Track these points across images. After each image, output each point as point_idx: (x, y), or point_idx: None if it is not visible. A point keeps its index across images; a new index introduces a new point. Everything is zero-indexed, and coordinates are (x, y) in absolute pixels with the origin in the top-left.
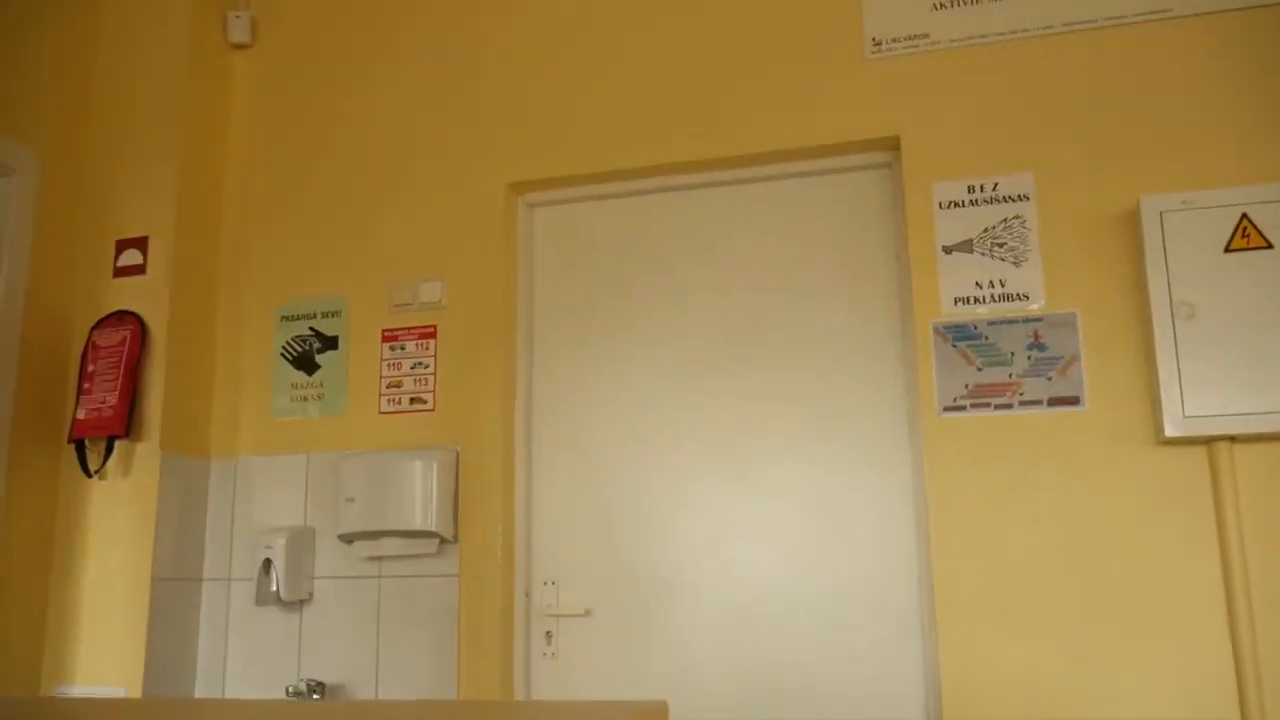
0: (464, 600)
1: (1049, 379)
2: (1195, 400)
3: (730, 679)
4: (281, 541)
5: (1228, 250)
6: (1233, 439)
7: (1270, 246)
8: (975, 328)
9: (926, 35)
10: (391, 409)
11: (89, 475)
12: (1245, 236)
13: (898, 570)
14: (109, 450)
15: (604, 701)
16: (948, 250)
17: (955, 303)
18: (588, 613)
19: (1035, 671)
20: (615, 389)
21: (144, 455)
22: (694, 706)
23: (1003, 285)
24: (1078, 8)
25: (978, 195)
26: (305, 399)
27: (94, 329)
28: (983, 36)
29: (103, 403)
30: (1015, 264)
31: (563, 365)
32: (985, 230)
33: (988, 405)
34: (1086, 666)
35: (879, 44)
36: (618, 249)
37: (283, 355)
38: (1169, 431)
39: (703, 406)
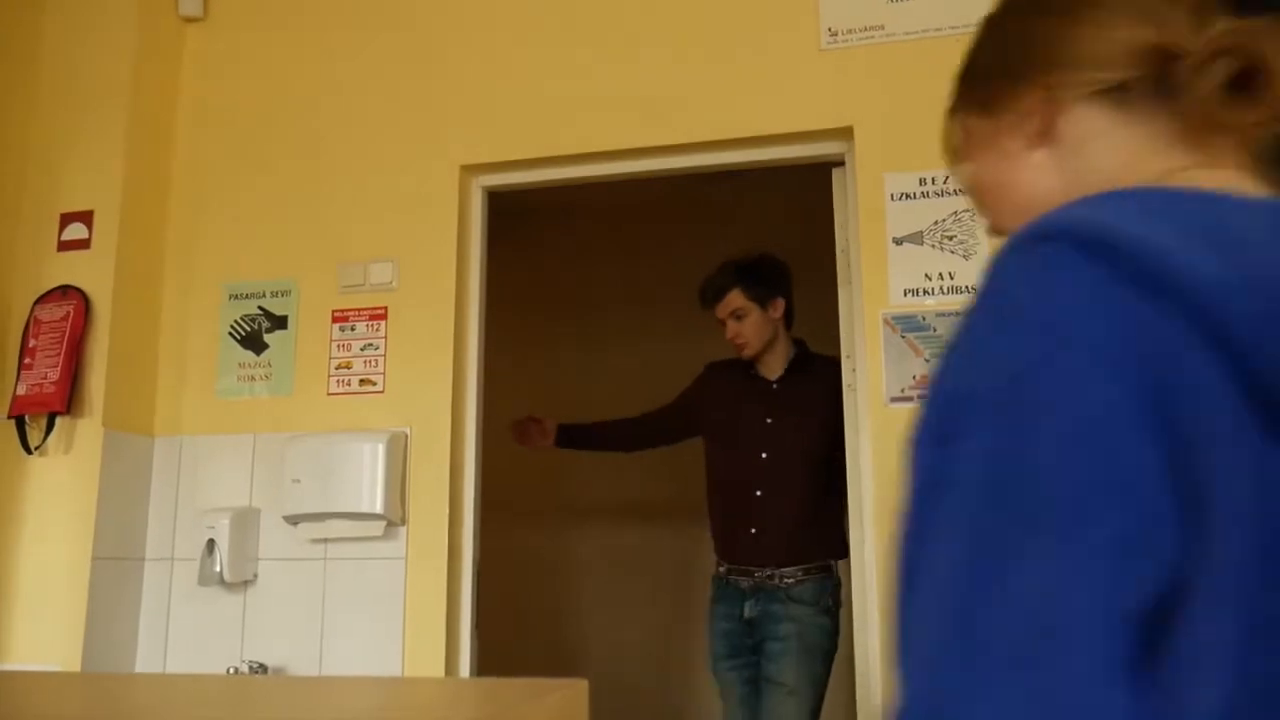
0: (410, 584)
1: None
2: None
3: None
4: (226, 522)
5: None
6: None
7: None
8: (924, 319)
9: (882, 27)
10: (340, 390)
11: (29, 452)
12: None
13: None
14: (50, 427)
15: (529, 679)
16: (898, 242)
17: (905, 294)
18: None
19: None
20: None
21: (86, 432)
22: None
23: (952, 278)
24: None
25: (929, 188)
26: (253, 379)
27: (36, 303)
28: (938, 29)
29: (44, 378)
30: (964, 257)
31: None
32: (935, 223)
33: None
34: None
35: (834, 34)
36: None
37: (230, 334)
38: None
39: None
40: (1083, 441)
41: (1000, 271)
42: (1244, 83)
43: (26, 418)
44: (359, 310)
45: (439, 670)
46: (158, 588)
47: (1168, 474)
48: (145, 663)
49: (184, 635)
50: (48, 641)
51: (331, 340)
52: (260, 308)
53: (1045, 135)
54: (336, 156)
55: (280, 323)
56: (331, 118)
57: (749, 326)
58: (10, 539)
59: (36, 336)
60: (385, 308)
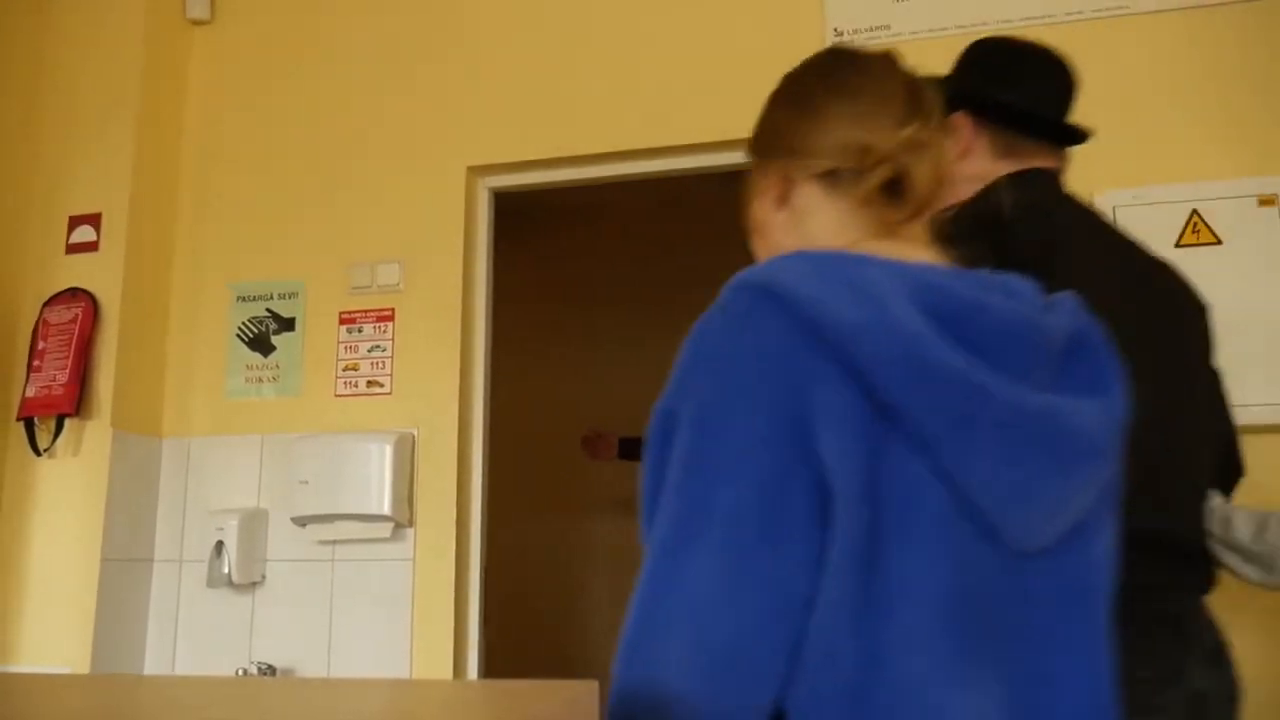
0: (418, 585)
1: None
2: None
3: None
4: (234, 523)
5: (1178, 245)
6: None
7: (1219, 242)
8: None
9: (888, 26)
10: (348, 391)
11: (38, 454)
12: (1195, 232)
13: None
14: (59, 429)
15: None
16: None
17: None
18: None
19: None
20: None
21: (94, 434)
22: None
23: None
24: (1036, 3)
25: None
26: (260, 380)
27: (45, 306)
28: (943, 29)
29: (53, 380)
30: None
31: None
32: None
33: None
34: None
35: (840, 34)
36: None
37: (238, 336)
38: None
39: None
40: (744, 450)
41: (716, 305)
42: (894, 187)
43: (36, 420)
44: (366, 311)
45: (447, 671)
46: (166, 589)
47: (800, 461)
48: (154, 664)
49: (192, 637)
50: (57, 643)
51: (339, 342)
52: (268, 309)
53: (783, 202)
54: (343, 158)
55: (288, 324)
56: (338, 120)
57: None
58: (20, 540)
59: (45, 339)
60: (392, 309)
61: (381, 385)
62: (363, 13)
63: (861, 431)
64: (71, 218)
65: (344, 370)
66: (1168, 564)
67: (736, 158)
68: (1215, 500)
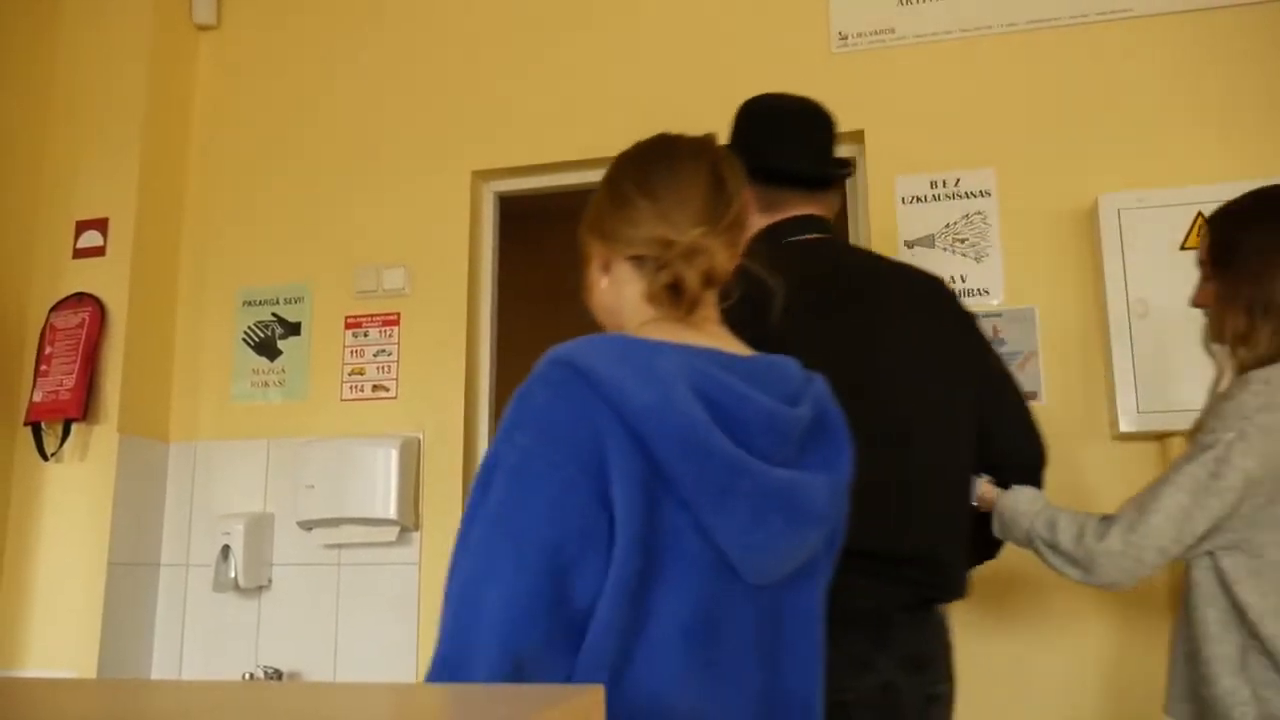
0: (424, 588)
1: None
2: (1149, 396)
3: None
4: (240, 527)
5: (1183, 248)
6: (1186, 435)
7: None
8: None
9: (892, 30)
10: (353, 396)
11: (45, 458)
12: (1200, 234)
13: None
14: (66, 433)
15: (544, 686)
16: (910, 245)
17: None
18: None
19: (987, 667)
20: None
21: (101, 438)
22: None
23: (963, 280)
24: (1041, 7)
25: (940, 190)
26: (267, 384)
27: (52, 311)
28: (947, 33)
29: (60, 385)
30: (976, 259)
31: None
32: (947, 225)
33: None
34: (1039, 662)
35: (845, 38)
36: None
37: (244, 340)
38: (1123, 427)
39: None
40: (559, 493)
41: (538, 376)
42: (674, 285)
43: (43, 424)
44: (372, 316)
45: None
46: (173, 593)
47: (599, 505)
48: (161, 668)
49: (199, 641)
50: (64, 647)
51: (345, 346)
52: (274, 314)
53: (605, 270)
54: (349, 163)
55: (294, 329)
56: (344, 125)
57: None
58: (27, 545)
59: (52, 344)
60: (398, 313)
61: (387, 389)
62: (367, 19)
63: (642, 487)
64: (78, 223)
65: (350, 374)
66: (867, 572)
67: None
68: (1031, 504)
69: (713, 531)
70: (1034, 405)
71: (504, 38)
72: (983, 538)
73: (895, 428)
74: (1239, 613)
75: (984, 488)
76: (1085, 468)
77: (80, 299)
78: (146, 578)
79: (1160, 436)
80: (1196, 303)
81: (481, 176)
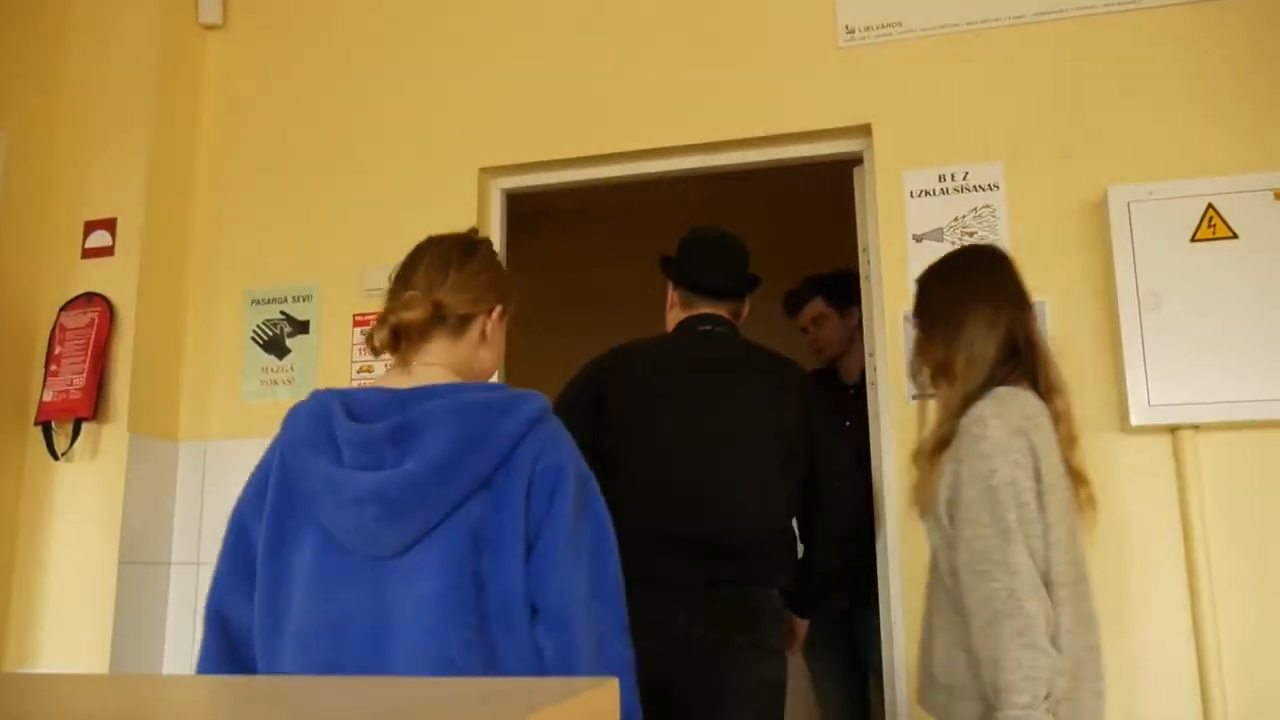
0: None
1: None
2: (1161, 389)
3: None
4: None
5: (1194, 240)
6: (1197, 428)
7: (1235, 237)
8: None
9: (899, 23)
10: None
11: (55, 458)
12: (1211, 227)
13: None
14: (76, 432)
15: (557, 678)
16: (918, 239)
17: None
18: None
19: None
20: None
21: (111, 437)
22: None
23: None
24: None
25: (948, 184)
26: (276, 383)
27: (61, 310)
28: (955, 25)
29: (70, 385)
30: None
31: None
32: (955, 219)
33: None
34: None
35: (852, 32)
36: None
37: (253, 339)
38: (1134, 420)
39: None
40: (248, 497)
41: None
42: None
43: (53, 424)
44: (380, 313)
45: None
46: (184, 591)
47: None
48: (172, 665)
49: None
50: (76, 645)
51: (353, 344)
52: (282, 312)
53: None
54: (356, 161)
55: (302, 327)
56: (351, 122)
57: (827, 330)
58: (38, 544)
59: (62, 343)
60: None
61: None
62: (374, 16)
63: (277, 494)
64: (87, 223)
65: (358, 372)
66: (677, 554)
67: (748, 157)
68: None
69: (324, 522)
70: None
71: (510, 34)
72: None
73: (716, 446)
74: None
75: None
76: (1096, 461)
77: (89, 299)
78: (157, 576)
79: (1172, 429)
80: (912, 356)
81: (489, 173)
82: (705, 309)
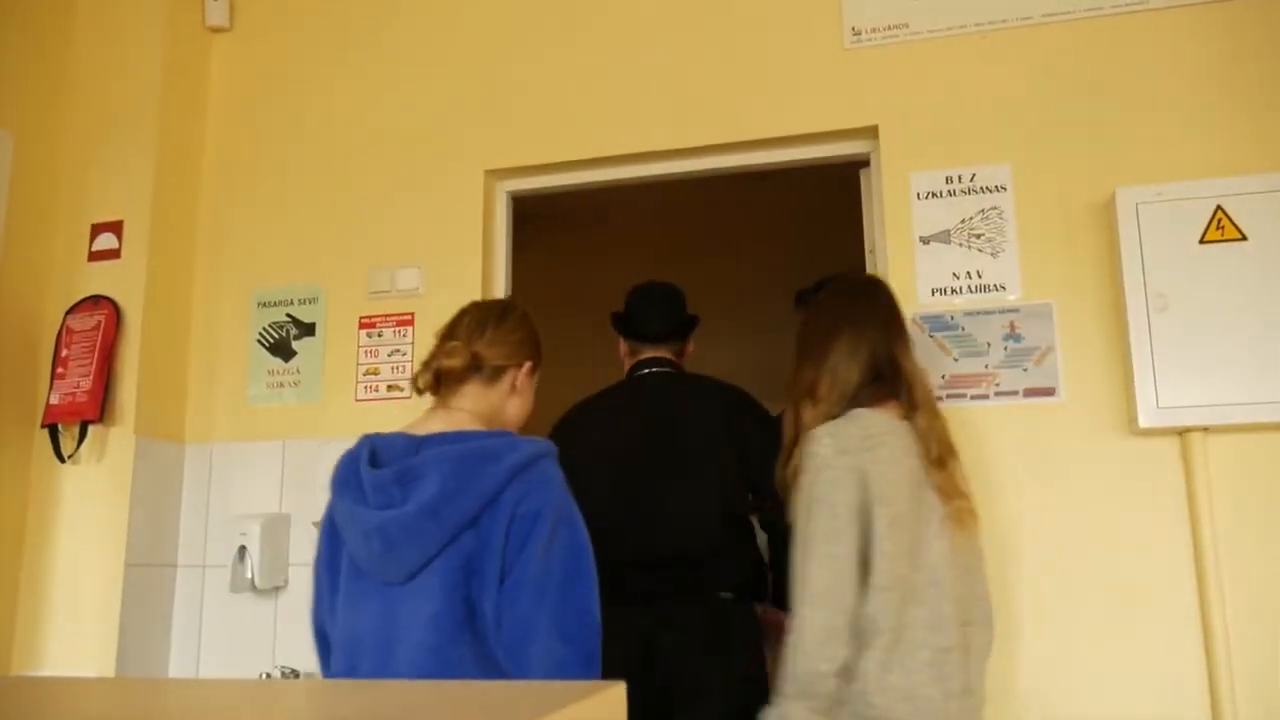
0: None
1: (1025, 370)
2: (1169, 391)
3: None
4: (257, 528)
5: (1202, 242)
6: (1206, 430)
7: (1244, 238)
8: (952, 318)
9: (906, 25)
10: (368, 396)
11: (62, 460)
12: (1220, 228)
13: None
14: (82, 435)
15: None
16: (925, 241)
17: (932, 293)
18: None
19: (1007, 664)
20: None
21: (118, 440)
22: None
23: (980, 276)
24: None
25: (955, 186)
26: (281, 385)
27: (68, 313)
28: (961, 26)
29: (76, 387)
30: (992, 255)
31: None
32: (963, 221)
33: (964, 396)
34: (1059, 657)
35: (858, 33)
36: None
37: (259, 342)
38: (1143, 422)
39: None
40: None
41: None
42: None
43: (60, 426)
44: (386, 316)
45: None
46: (190, 594)
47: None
48: (178, 669)
49: (217, 641)
50: (82, 648)
51: (359, 346)
52: (288, 315)
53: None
54: (362, 164)
55: (308, 330)
56: (357, 125)
57: None
58: (44, 546)
59: (69, 346)
60: (412, 314)
61: (402, 389)
62: (380, 19)
63: (328, 526)
64: (94, 225)
65: (364, 375)
66: (639, 569)
67: (754, 159)
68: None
69: (351, 552)
70: (1052, 401)
71: (515, 37)
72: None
73: (663, 474)
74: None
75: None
76: (1104, 464)
77: (96, 301)
78: (163, 579)
79: (1180, 432)
80: (787, 380)
81: (494, 176)
82: (650, 353)
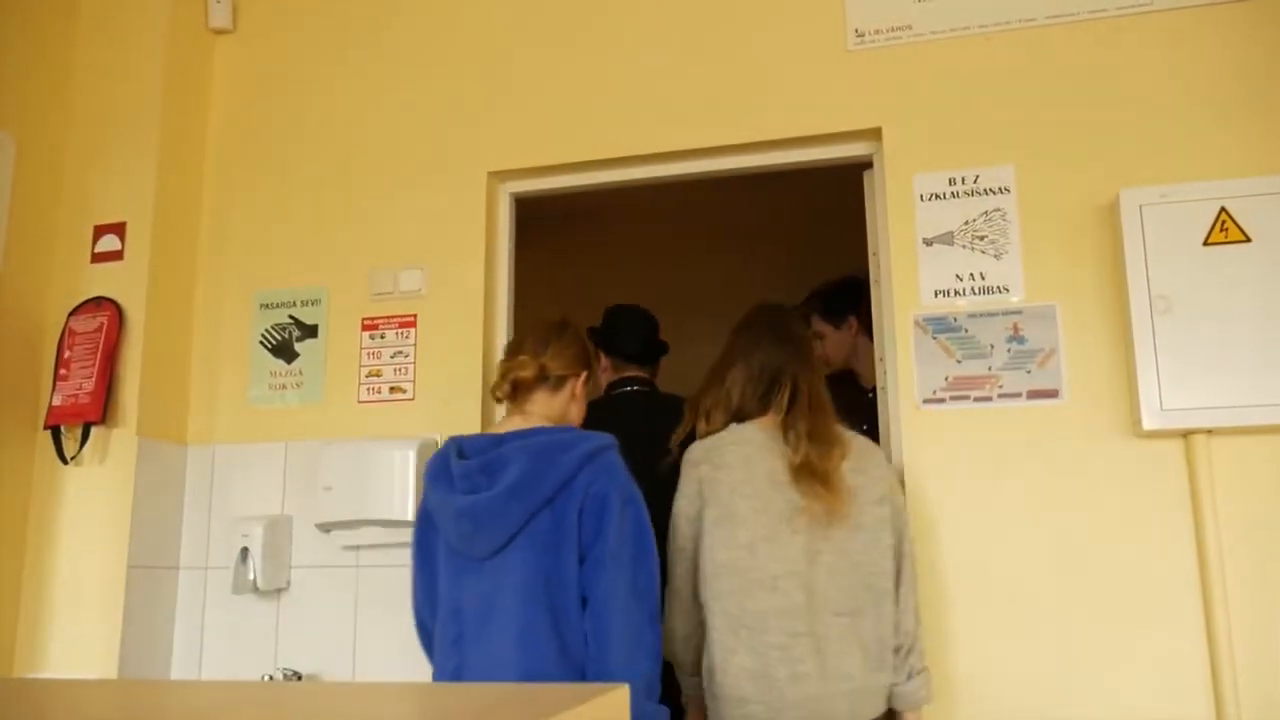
0: None
1: (1028, 372)
2: (1173, 393)
3: None
4: (259, 530)
5: (1206, 244)
6: (1210, 432)
7: (1248, 240)
8: (955, 320)
9: (909, 27)
10: (371, 398)
11: (65, 462)
12: (1224, 230)
13: None
14: (85, 437)
15: (567, 685)
16: (928, 242)
17: (935, 295)
18: None
19: (1013, 666)
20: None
21: (120, 442)
22: None
23: (983, 278)
24: (1059, 1)
25: (959, 187)
26: (284, 387)
27: (71, 315)
28: (965, 28)
29: (79, 389)
30: (995, 256)
31: None
32: (966, 223)
33: (967, 398)
34: (1064, 659)
35: (861, 35)
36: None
37: (261, 343)
38: (1147, 424)
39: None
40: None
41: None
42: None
43: (62, 428)
44: (389, 318)
45: None
46: (192, 595)
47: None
48: (180, 670)
49: (219, 643)
50: (84, 649)
51: (361, 348)
52: (291, 316)
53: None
54: (365, 166)
55: (311, 331)
56: (360, 127)
57: (826, 347)
58: (47, 548)
59: (71, 348)
60: (415, 315)
61: (404, 391)
62: (382, 21)
63: (423, 516)
64: (96, 227)
65: (367, 376)
66: None
67: (756, 160)
68: None
69: (443, 534)
70: (1055, 404)
71: (518, 39)
72: None
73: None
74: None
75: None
76: (1108, 466)
77: (99, 303)
78: (166, 580)
79: (1184, 434)
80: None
81: (497, 177)
82: (632, 371)
